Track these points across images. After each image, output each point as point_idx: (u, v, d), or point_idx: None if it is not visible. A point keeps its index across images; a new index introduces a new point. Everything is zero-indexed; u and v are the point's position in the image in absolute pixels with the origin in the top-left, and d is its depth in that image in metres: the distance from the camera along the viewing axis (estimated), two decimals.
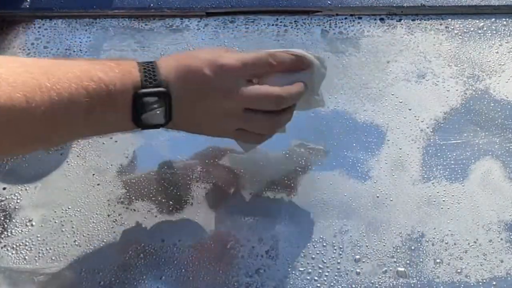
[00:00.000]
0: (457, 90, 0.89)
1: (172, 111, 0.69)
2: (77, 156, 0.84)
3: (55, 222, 0.79)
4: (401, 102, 0.88)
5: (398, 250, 0.76)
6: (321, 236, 0.77)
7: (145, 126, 0.69)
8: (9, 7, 0.97)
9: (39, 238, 0.77)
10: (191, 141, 0.85)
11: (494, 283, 0.74)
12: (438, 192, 0.80)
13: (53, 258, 0.76)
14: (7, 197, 0.81)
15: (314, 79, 0.76)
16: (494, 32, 0.95)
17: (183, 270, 0.75)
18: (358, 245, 0.77)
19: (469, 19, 0.96)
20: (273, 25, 0.96)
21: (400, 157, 0.83)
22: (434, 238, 0.77)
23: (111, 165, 0.83)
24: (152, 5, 0.97)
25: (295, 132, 0.85)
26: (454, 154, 0.83)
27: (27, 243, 0.77)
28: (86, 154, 0.84)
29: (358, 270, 0.75)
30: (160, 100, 0.68)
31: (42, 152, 0.84)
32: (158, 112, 0.68)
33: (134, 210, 0.80)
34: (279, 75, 0.73)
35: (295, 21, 0.97)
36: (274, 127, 0.76)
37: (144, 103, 0.67)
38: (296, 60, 0.74)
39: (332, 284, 0.74)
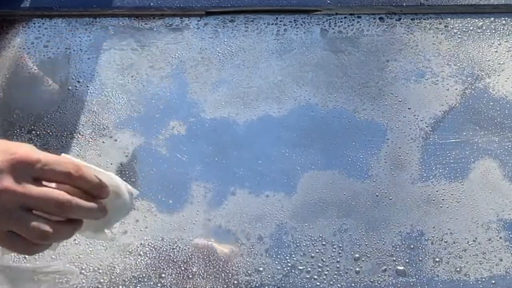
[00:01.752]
0: (456, 89, 0.89)
1: None
2: (77, 155, 0.84)
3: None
4: (400, 101, 0.88)
5: (398, 249, 0.76)
6: (321, 235, 0.77)
7: None
8: (10, 6, 0.97)
9: None
10: (191, 139, 0.85)
11: (493, 281, 0.74)
12: (437, 191, 0.80)
13: (53, 257, 0.76)
14: None
15: (114, 211, 0.68)
16: (493, 31, 0.95)
17: (183, 269, 0.75)
18: (358, 243, 0.77)
19: (468, 18, 0.96)
20: (272, 24, 0.96)
21: (400, 156, 0.83)
22: (433, 237, 0.77)
23: (111, 164, 0.83)
24: (152, 4, 0.97)
25: (295, 130, 0.86)
26: (454, 153, 0.83)
27: None
28: (86, 153, 0.84)
29: (357, 269, 0.75)
30: None
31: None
32: None
33: (134, 208, 0.80)
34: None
35: (294, 20, 0.97)
36: (49, 236, 0.64)
37: None
38: (100, 184, 0.66)
39: (331, 282, 0.74)
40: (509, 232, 0.77)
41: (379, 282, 0.74)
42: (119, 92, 0.89)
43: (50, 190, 0.63)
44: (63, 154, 0.65)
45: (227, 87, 0.90)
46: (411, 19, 0.96)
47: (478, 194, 0.80)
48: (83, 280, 0.75)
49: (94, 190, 0.66)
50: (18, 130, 0.86)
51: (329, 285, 0.74)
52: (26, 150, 0.64)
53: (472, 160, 0.83)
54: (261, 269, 0.75)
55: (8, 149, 0.63)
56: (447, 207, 0.79)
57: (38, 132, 0.86)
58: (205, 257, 0.76)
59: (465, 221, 0.78)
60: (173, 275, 0.75)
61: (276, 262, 0.76)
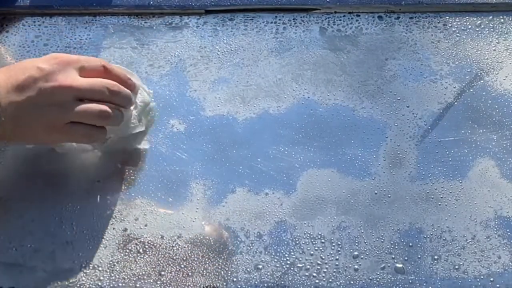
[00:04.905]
0: (454, 87, 0.89)
1: None
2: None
3: (55, 219, 0.79)
4: (399, 99, 0.88)
5: (396, 247, 0.76)
6: (320, 233, 0.78)
7: None
8: (10, 4, 0.98)
9: (39, 235, 0.78)
10: (191, 137, 0.85)
11: (492, 279, 0.74)
12: (436, 189, 0.81)
13: (53, 254, 0.76)
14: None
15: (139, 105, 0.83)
16: (492, 29, 0.95)
17: (182, 266, 0.75)
18: (357, 241, 0.77)
19: (467, 17, 0.96)
20: (272, 22, 0.97)
21: (398, 154, 0.84)
22: (432, 234, 0.77)
23: (111, 162, 0.84)
24: (151, 2, 0.98)
25: (293, 128, 0.86)
26: (452, 151, 0.84)
27: (27, 240, 0.77)
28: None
29: (356, 267, 0.75)
30: None
31: (42, 149, 0.84)
32: None
33: (134, 206, 0.80)
34: None
35: (293, 19, 0.97)
36: (109, 115, 0.76)
37: None
38: (127, 77, 0.80)
39: (330, 280, 0.74)
40: (508, 230, 0.78)
41: (378, 279, 0.74)
42: None
43: (97, 79, 0.77)
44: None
45: (227, 85, 0.90)
46: (410, 18, 0.96)
47: (476, 192, 0.81)
48: (83, 278, 0.75)
49: (123, 83, 0.79)
50: None
51: (328, 283, 0.74)
52: (65, 54, 0.77)
53: (471, 158, 0.83)
54: (260, 266, 0.75)
55: (50, 56, 0.75)
56: (446, 205, 0.80)
57: None
58: (204, 254, 0.76)
59: (463, 219, 0.78)
60: (173, 272, 0.75)
61: (275, 260, 0.76)
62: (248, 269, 0.75)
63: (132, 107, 0.81)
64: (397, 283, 0.74)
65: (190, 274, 0.75)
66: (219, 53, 0.93)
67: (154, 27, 0.96)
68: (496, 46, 0.93)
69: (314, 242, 0.77)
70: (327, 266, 0.75)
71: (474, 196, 0.80)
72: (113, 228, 0.79)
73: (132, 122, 0.81)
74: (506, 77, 0.90)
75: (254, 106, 0.88)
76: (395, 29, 0.96)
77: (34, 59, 0.75)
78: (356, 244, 0.77)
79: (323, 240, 0.77)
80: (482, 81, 0.90)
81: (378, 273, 0.75)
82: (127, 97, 0.79)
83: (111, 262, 0.76)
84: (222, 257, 0.76)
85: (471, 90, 0.89)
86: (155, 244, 0.77)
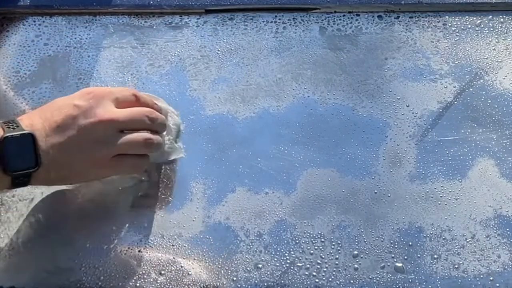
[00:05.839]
0: (454, 86, 0.89)
1: (39, 154, 0.70)
2: None
3: (56, 219, 0.79)
4: (399, 98, 0.89)
5: (396, 246, 0.77)
6: (320, 232, 0.78)
7: (14, 171, 0.69)
8: (10, 4, 0.98)
9: (39, 235, 0.78)
10: (191, 137, 0.85)
11: (491, 278, 0.74)
12: (435, 188, 0.81)
13: (53, 254, 0.76)
14: (7, 193, 0.81)
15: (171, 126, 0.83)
16: (491, 29, 0.95)
17: (182, 265, 0.76)
18: (356, 240, 0.77)
19: (466, 16, 0.96)
20: (271, 22, 0.97)
21: (398, 153, 0.84)
22: (431, 233, 0.77)
23: None
24: (151, 2, 0.98)
25: (293, 128, 0.86)
26: (452, 151, 0.84)
27: (27, 239, 0.78)
28: None
29: (356, 266, 0.75)
30: (26, 143, 0.69)
31: None
32: (25, 155, 0.69)
33: (134, 206, 0.80)
34: None
35: (293, 18, 0.97)
36: (153, 142, 0.76)
37: (9, 148, 0.68)
38: (154, 103, 0.81)
39: (330, 279, 0.74)
40: (507, 229, 0.78)
41: (378, 279, 0.74)
42: None
43: (135, 108, 0.76)
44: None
45: (226, 84, 0.90)
46: (410, 17, 0.96)
47: (476, 191, 0.81)
48: (83, 278, 0.75)
49: (152, 108, 0.79)
50: None
51: (328, 282, 0.74)
52: (97, 88, 0.77)
53: (470, 157, 0.83)
54: (260, 265, 0.76)
55: (83, 92, 0.74)
56: (446, 204, 0.80)
57: None
58: (204, 254, 0.76)
59: (463, 218, 0.79)
60: (173, 271, 0.75)
61: (275, 259, 0.76)
62: (248, 268, 0.75)
63: (164, 132, 0.81)
64: (397, 282, 0.74)
65: (190, 273, 0.75)
66: (219, 52, 0.94)
67: (154, 27, 0.96)
68: (496, 45, 0.93)
69: (314, 241, 0.77)
70: (327, 265, 0.75)
71: (473, 195, 0.80)
72: (114, 228, 0.79)
73: (170, 147, 0.82)
74: (506, 76, 0.90)
75: (254, 106, 0.88)
76: (394, 28, 0.96)
77: (66, 97, 0.74)
78: (356, 243, 0.77)
79: (323, 239, 0.77)
80: (481, 81, 0.90)
81: (378, 272, 0.75)
82: (163, 123, 0.79)
83: (111, 261, 0.76)
84: (222, 256, 0.76)
85: (471, 89, 0.89)
86: (155, 243, 0.77)
